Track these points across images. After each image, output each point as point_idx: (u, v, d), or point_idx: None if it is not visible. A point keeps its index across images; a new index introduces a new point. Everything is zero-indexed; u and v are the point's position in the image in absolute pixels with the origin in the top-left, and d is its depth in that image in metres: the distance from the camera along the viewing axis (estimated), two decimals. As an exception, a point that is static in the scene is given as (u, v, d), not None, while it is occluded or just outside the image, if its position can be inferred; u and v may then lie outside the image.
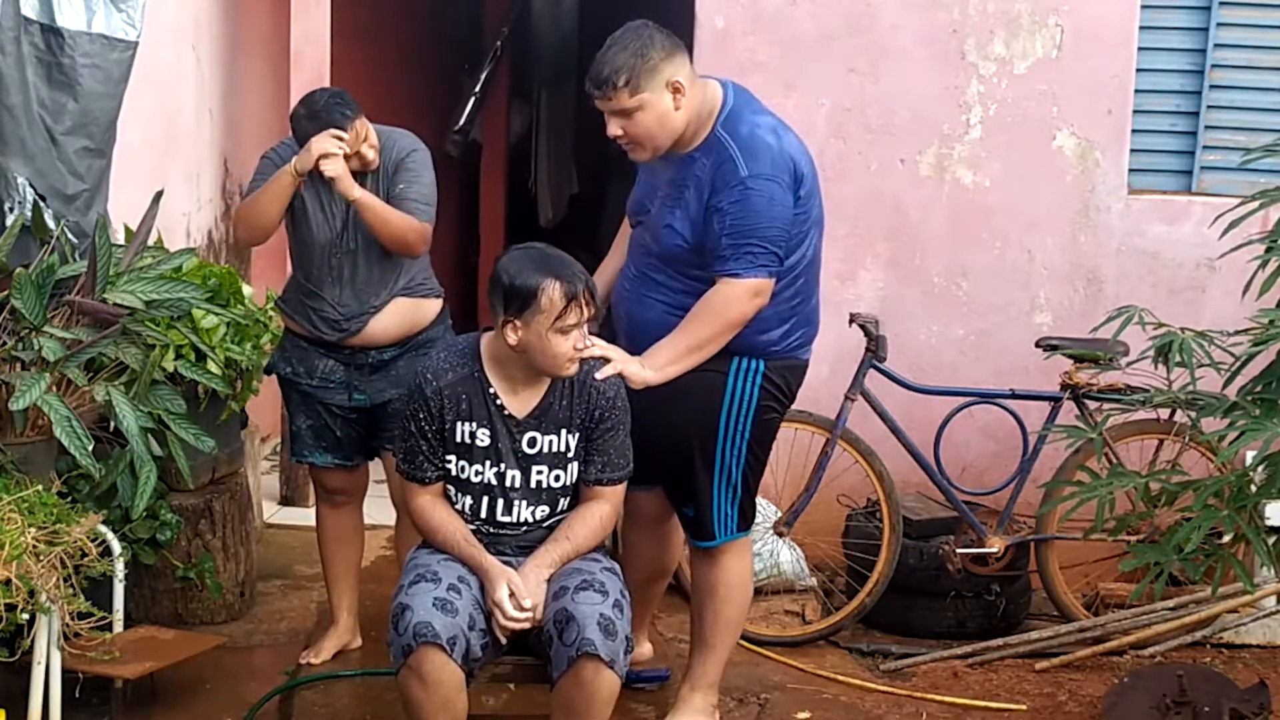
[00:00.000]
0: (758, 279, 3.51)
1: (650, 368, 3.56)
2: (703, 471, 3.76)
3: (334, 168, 3.99)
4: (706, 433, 3.72)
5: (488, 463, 3.46)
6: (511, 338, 3.35)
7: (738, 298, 3.53)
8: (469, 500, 3.48)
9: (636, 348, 3.63)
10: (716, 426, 3.71)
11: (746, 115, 3.59)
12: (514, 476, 3.46)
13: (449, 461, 3.47)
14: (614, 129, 3.55)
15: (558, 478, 3.48)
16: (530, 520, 3.49)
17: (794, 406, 4.81)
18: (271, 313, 4.70)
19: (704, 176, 3.53)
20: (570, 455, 3.48)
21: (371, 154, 4.09)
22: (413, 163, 4.15)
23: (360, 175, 4.11)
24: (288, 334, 4.32)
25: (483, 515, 3.48)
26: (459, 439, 3.45)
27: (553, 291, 3.30)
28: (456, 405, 3.44)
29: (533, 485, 3.47)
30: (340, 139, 4.00)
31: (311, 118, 4.04)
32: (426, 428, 3.45)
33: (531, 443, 3.46)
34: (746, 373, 3.70)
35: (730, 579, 3.88)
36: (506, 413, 3.45)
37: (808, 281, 3.74)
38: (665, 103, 3.49)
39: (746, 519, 3.87)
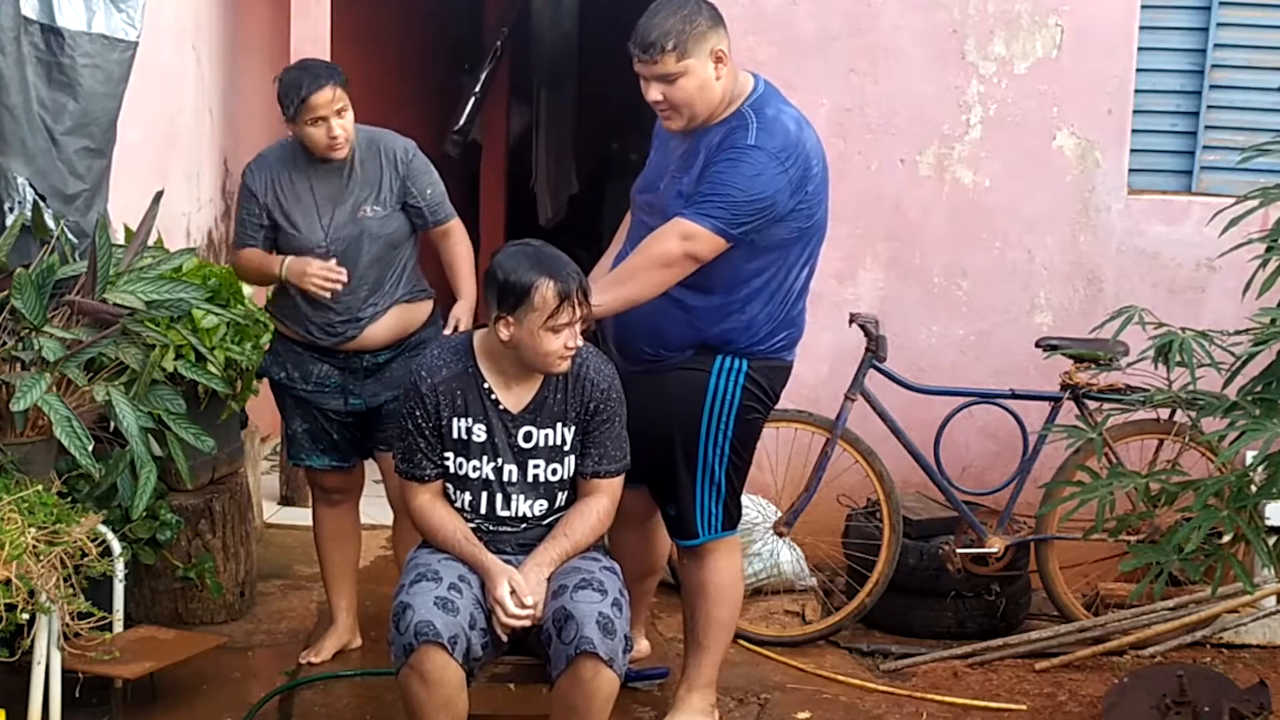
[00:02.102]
0: (698, 225, 3.50)
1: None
2: (685, 470, 3.77)
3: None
4: (689, 431, 3.74)
5: (485, 458, 3.46)
6: (504, 333, 3.36)
7: (668, 234, 3.53)
8: (468, 496, 3.49)
9: (628, 331, 3.67)
10: (699, 425, 3.72)
11: (775, 102, 3.65)
12: (511, 471, 3.47)
13: (447, 458, 3.47)
14: (654, 94, 3.55)
15: (555, 471, 3.49)
16: (529, 515, 3.49)
17: (794, 406, 4.86)
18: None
19: (714, 142, 3.57)
20: (567, 449, 3.49)
21: (340, 133, 4.03)
22: (419, 162, 4.20)
23: (345, 172, 4.11)
24: (280, 338, 4.32)
25: (482, 511, 3.48)
26: (455, 435, 3.45)
27: (546, 290, 3.31)
28: (452, 401, 3.44)
29: (530, 480, 3.48)
30: (330, 278, 4.04)
31: (302, 67, 4.09)
32: (423, 425, 3.45)
33: (528, 437, 3.46)
34: (729, 371, 3.70)
35: (720, 579, 3.88)
36: (502, 408, 3.46)
37: (802, 283, 3.74)
38: (708, 70, 3.52)
39: (731, 518, 3.87)
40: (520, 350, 3.39)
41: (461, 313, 4.16)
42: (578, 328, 3.39)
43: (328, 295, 4.04)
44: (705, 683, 3.93)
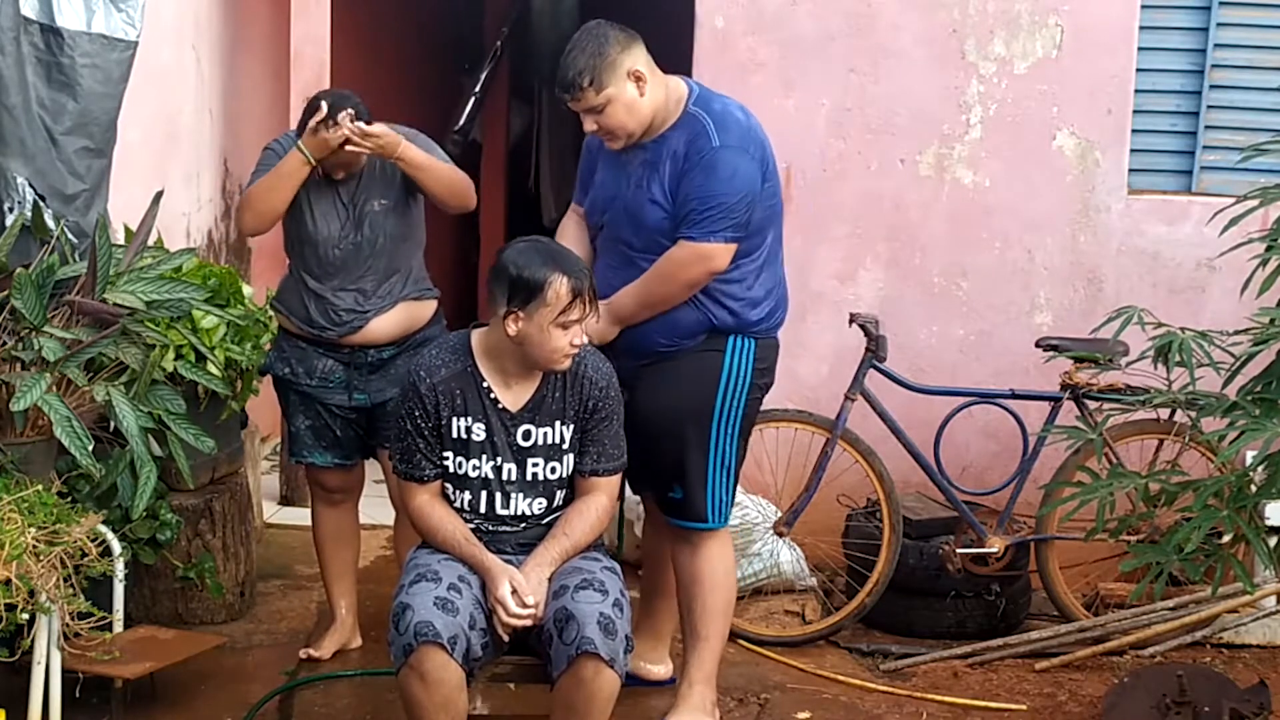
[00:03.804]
0: (712, 244, 3.69)
1: (609, 312, 3.75)
2: (697, 453, 3.83)
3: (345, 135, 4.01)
4: (703, 413, 3.82)
5: (484, 457, 3.47)
6: (512, 328, 3.37)
7: (691, 260, 3.70)
8: (467, 496, 3.49)
9: (640, 326, 3.78)
10: (713, 406, 3.82)
11: (716, 97, 3.82)
12: (510, 470, 3.47)
13: (446, 458, 3.48)
14: (589, 125, 3.75)
15: (554, 470, 3.50)
16: (528, 513, 3.49)
17: (794, 407, 4.86)
18: (271, 313, 4.70)
19: (679, 149, 3.72)
20: (565, 447, 3.50)
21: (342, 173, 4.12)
22: (422, 142, 4.21)
23: (354, 174, 4.13)
24: (284, 334, 4.32)
25: (481, 510, 3.49)
26: (455, 435, 3.46)
27: (559, 286, 3.34)
28: (451, 401, 3.45)
29: (529, 478, 3.48)
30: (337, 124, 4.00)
31: (328, 95, 4.08)
32: (422, 425, 3.45)
33: (526, 435, 3.47)
34: (740, 351, 3.83)
35: (716, 567, 3.93)
36: (501, 406, 3.46)
37: (780, 256, 3.92)
38: (630, 92, 3.69)
39: (730, 510, 3.96)
40: (526, 346, 3.39)
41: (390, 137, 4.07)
42: (584, 325, 3.42)
43: (341, 136, 3.99)
44: (706, 676, 3.94)
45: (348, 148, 4.03)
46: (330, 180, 4.16)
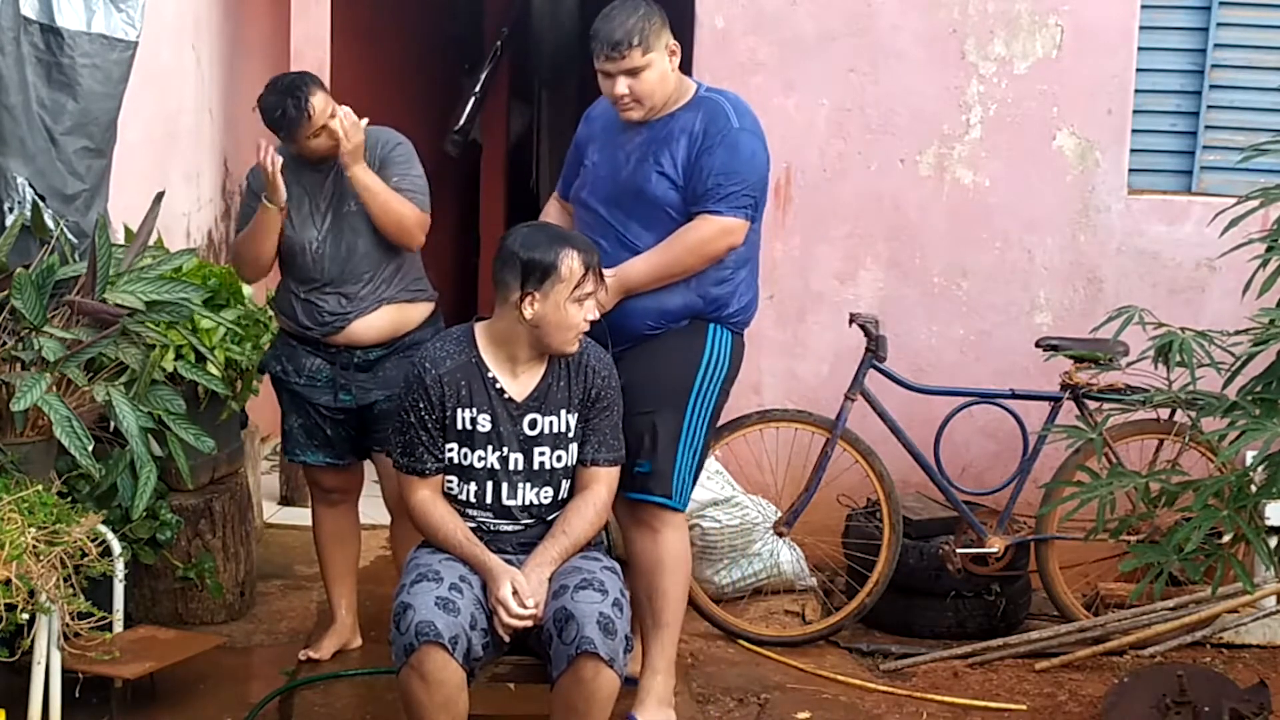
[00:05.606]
0: (734, 219, 3.77)
1: (619, 278, 3.77)
2: (671, 427, 3.85)
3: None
4: (681, 387, 3.86)
5: (490, 447, 3.47)
6: (528, 311, 3.40)
7: (715, 234, 3.78)
8: (473, 486, 3.49)
9: (630, 307, 3.80)
10: (691, 384, 3.87)
11: (724, 90, 3.94)
12: (516, 459, 3.48)
13: (450, 450, 3.48)
14: (621, 88, 3.79)
15: (559, 458, 3.51)
16: (535, 503, 3.50)
17: (794, 407, 4.86)
18: (271, 313, 4.71)
19: (694, 127, 3.81)
20: (570, 435, 3.52)
21: (339, 128, 4.04)
22: (399, 155, 4.17)
23: (331, 171, 4.12)
24: (281, 333, 4.34)
25: (488, 501, 3.49)
26: (460, 426, 3.46)
27: (572, 261, 3.40)
28: (456, 392, 3.46)
29: (535, 467, 3.49)
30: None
31: (279, 90, 4.04)
32: (426, 417, 3.46)
33: (532, 424, 3.48)
34: (720, 340, 3.90)
35: (675, 551, 3.94)
36: (506, 396, 3.47)
37: (757, 260, 3.99)
38: (666, 63, 3.80)
39: (689, 495, 3.97)
40: (543, 328, 3.42)
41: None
42: (596, 298, 3.48)
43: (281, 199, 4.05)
44: (669, 664, 3.95)
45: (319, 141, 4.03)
46: (303, 187, 4.12)
